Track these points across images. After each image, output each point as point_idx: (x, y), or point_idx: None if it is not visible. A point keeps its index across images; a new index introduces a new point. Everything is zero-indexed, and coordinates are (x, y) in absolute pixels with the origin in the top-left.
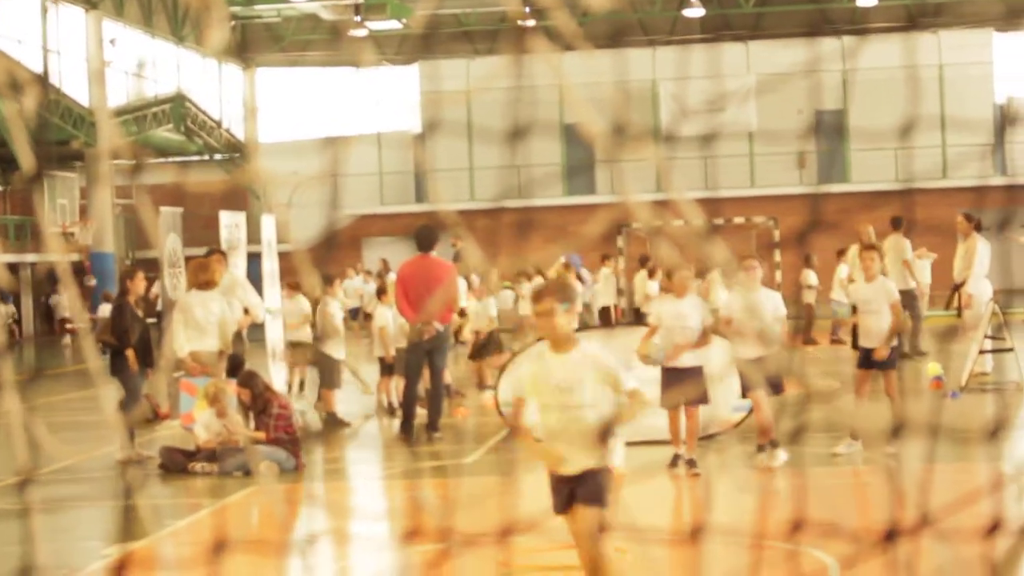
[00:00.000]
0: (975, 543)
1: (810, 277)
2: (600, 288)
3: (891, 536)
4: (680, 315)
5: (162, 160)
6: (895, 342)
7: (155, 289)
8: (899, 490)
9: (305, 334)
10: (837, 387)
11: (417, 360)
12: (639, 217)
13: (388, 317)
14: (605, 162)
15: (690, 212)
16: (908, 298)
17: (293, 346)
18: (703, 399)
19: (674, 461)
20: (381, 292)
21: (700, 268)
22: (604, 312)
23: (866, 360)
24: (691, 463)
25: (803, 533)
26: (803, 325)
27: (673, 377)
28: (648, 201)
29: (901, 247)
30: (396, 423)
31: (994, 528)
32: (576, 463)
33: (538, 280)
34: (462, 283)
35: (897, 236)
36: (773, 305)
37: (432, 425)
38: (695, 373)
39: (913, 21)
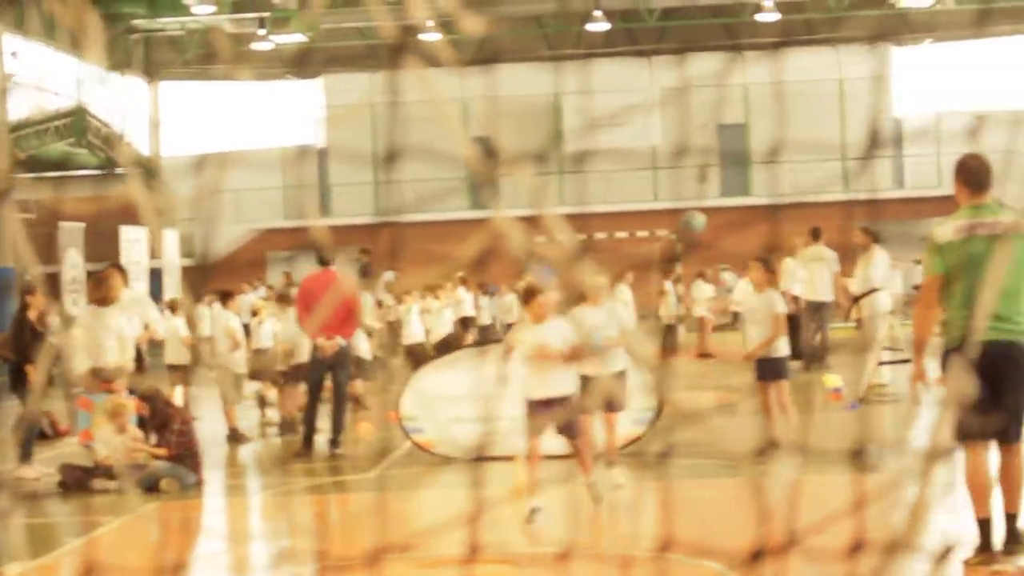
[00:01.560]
0: (842, 561)
1: (704, 290)
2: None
3: (758, 555)
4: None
5: (63, 174)
6: (785, 352)
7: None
8: (767, 507)
9: (183, 355)
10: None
11: (319, 375)
12: (512, 237)
13: (290, 332)
14: (507, 176)
15: (561, 231)
16: (821, 309)
17: (172, 368)
18: (619, 407)
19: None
20: (283, 306)
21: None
22: (485, 330)
23: (765, 371)
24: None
25: (675, 549)
26: (697, 339)
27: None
28: (519, 218)
29: (822, 257)
30: (297, 439)
31: (859, 546)
32: None
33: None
34: (369, 299)
35: (818, 247)
36: (603, 322)
37: (333, 440)
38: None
39: (814, 36)
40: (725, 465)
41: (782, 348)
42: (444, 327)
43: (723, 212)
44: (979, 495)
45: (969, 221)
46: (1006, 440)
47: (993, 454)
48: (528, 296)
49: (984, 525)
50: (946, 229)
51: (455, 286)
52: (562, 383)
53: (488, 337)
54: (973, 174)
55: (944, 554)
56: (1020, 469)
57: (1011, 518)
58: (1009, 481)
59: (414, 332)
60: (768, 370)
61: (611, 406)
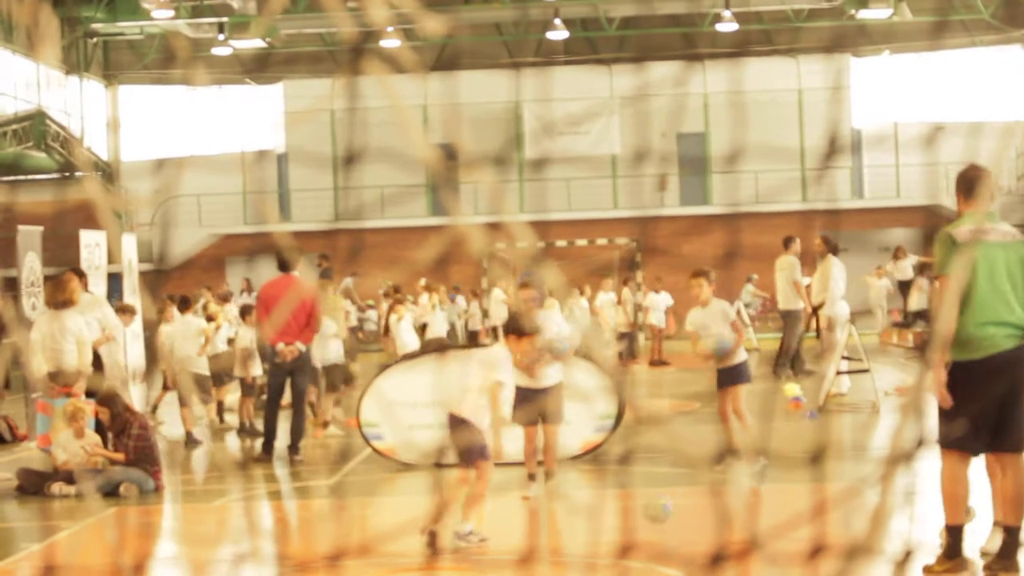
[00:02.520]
0: (802, 565)
1: (660, 299)
2: (471, 311)
3: (718, 559)
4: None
5: (21, 178)
6: (743, 357)
7: None
8: (727, 512)
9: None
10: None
11: (279, 381)
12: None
13: (250, 338)
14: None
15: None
16: (792, 318)
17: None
18: (558, 419)
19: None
20: (245, 313)
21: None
22: (473, 335)
23: (724, 377)
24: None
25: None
26: (654, 346)
27: (530, 396)
28: (480, 224)
29: (790, 266)
30: (258, 444)
31: (819, 551)
32: None
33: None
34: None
35: (787, 256)
36: (558, 328)
37: (293, 446)
38: (554, 391)
39: (772, 46)
40: (684, 472)
41: (740, 354)
42: (438, 332)
43: (682, 220)
44: (955, 502)
45: (979, 226)
46: (1013, 449)
47: (976, 462)
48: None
49: (956, 532)
50: (962, 230)
51: (442, 292)
52: (556, 372)
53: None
54: (975, 185)
55: (904, 559)
56: (960, 482)
57: (1011, 532)
58: (1011, 492)
59: (407, 342)
60: (726, 377)
61: (548, 418)
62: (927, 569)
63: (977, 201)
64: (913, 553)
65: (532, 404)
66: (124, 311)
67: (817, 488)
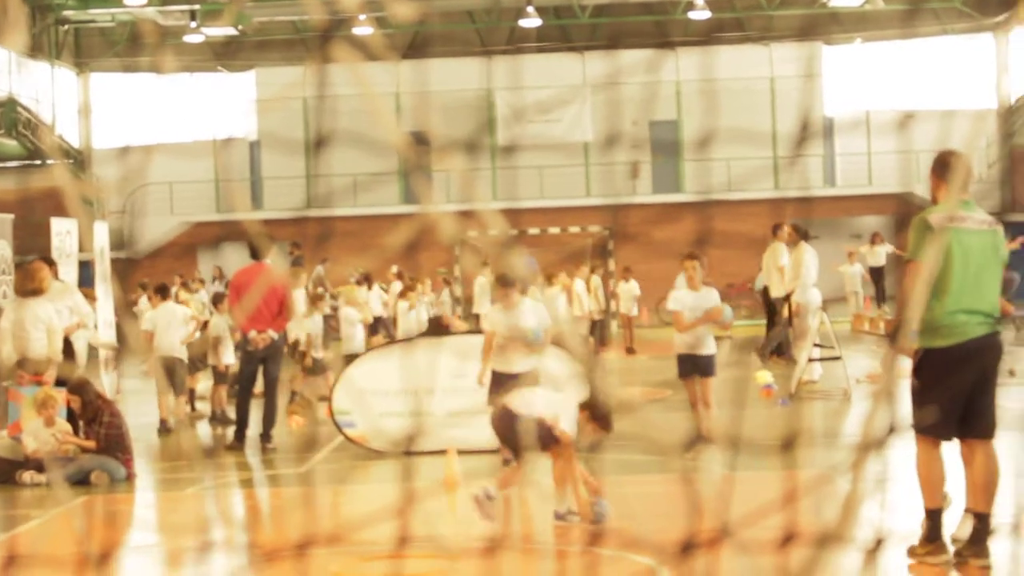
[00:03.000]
0: (773, 553)
1: (628, 288)
2: (440, 299)
3: (688, 547)
4: (513, 325)
5: None
6: (714, 350)
7: None
8: (698, 500)
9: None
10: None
11: (251, 369)
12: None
13: (223, 326)
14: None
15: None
16: (780, 304)
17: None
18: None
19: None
20: (217, 301)
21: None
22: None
23: (690, 367)
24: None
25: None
26: (624, 335)
27: (504, 381)
28: (451, 211)
29: (777, 253)
30: (229, 432)
31: (790, 538)
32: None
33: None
34: (301, 293)
35: (776, 243)
36: (538, 316)
37: (265, 434)
38: (527, 378)
39: (745, 33)
40: (655, 460)
41: (710, 345)
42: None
43: (654, 207)
44: (931, 486)
45: (954, 212)
46: (983, 435)
47: (948, 448)
48: (500, 283)
49: (935, 516)
50: (936, 216)
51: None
52: (528, 360)
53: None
54: (949, 169)
55: (875, 546)
56: (995, 468)
57: (981, 518)
58: (980, 478)
59: (409, 331)
60: (693, 367)
61: None
62: (910, 551)
63: (952, 186)
64: (884, 541)
65: (506, 389)
66: (86, 297)
67: (788, 475)
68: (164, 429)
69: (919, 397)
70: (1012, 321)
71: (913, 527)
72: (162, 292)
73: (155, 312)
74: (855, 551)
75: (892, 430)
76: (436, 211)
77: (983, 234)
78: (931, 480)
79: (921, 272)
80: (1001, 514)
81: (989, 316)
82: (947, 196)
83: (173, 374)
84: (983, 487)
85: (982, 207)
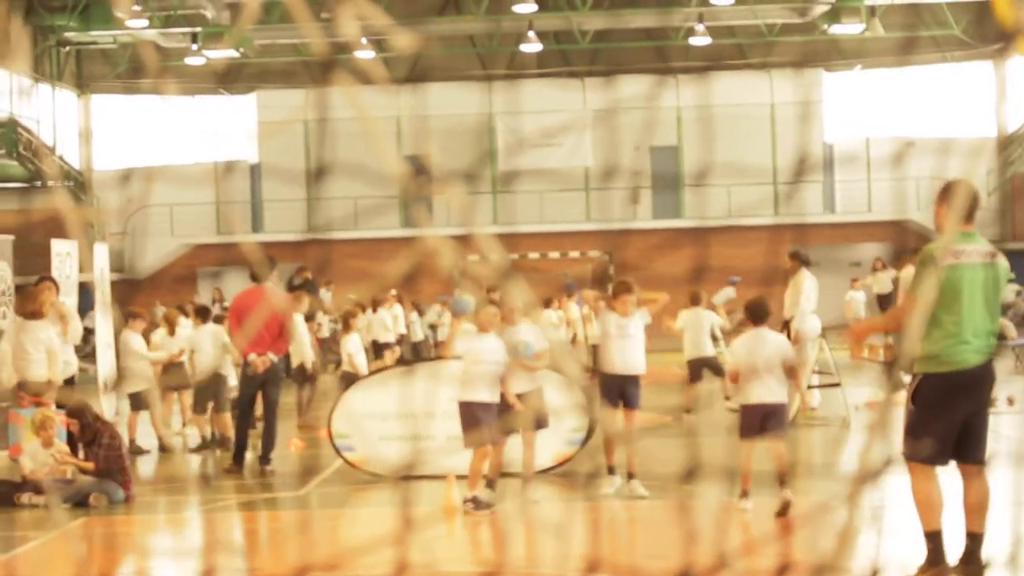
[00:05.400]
0: None
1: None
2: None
3: None
4: (485, 350)
5: None
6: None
7: None
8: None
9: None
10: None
11: (251, 392)
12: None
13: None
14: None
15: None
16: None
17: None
18: (541, 424)
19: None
20: (218, 323)
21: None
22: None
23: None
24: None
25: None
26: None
27: (478, 410)
28: (451, 237)
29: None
30: (228, 455)
31: (786, 568)
32: None
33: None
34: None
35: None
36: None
37: (264, 457)
38: (528, 398)
39: (745, 60)
40: (654, 486)
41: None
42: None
43: (655, 234)
44: (931, 509)
45: (961, 246)
46: (977, 461)
47: (944, 474)
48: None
49: (935, 539)
50: (944, 251)
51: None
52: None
53: (419, 355)
54: (955, 198)
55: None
56: (987, 492)
57: (974, 538)
58: (974, 501)
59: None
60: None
61: (537, 423)
62: None
63: (952, 215)
64: (880, 571)
65: (485, 420)
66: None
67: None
68: (133, 449)
69: (916, 423)
70: (1012, 350)
71: (911, 554)
72: (202, 314)
73: (197, 332)
74: None
75: (889, 462)
76: (435, 236)
77: (984, 267)
78: (930, 503)
79: (918, 305)
80: (998, 545)
81: (986, 346)
82: (949, 226)
83: (212, 392)
84: (976, 508)
85: (984, 234)
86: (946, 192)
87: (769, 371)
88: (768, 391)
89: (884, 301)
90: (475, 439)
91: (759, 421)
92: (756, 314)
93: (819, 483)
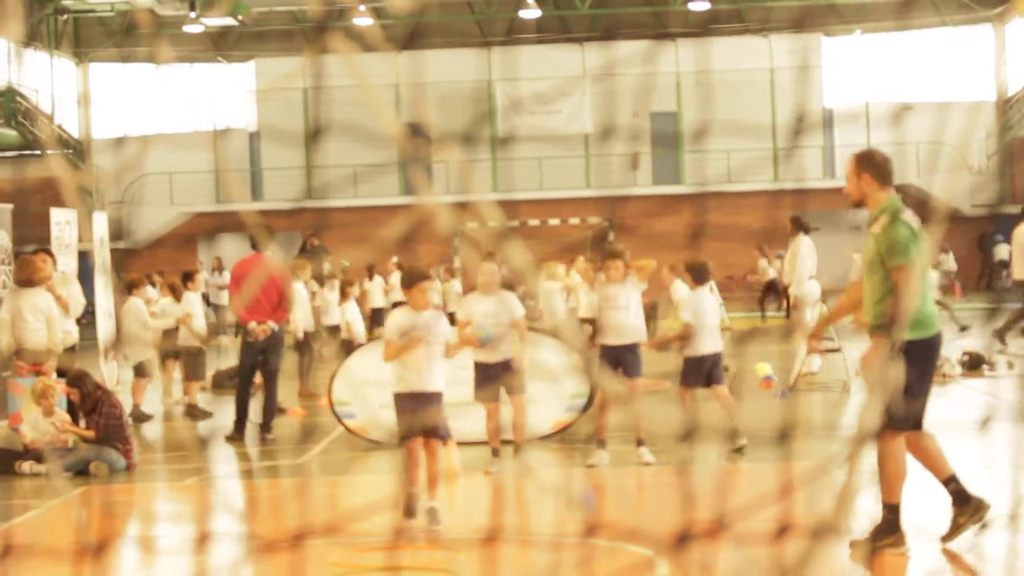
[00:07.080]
0: (767, 545)
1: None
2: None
3: (684, 539)
4: (488, 312)
5: None
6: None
7: None
8: (691, 492)
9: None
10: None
11: (251, 360)
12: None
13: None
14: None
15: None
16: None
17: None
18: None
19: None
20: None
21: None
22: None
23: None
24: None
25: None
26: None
27: (487, 371)
28: (449, 202)
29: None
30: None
31: (784, 530)
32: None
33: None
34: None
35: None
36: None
37: (265, 425)
38: (509, 365)
39: (744, 24)
40: (654, 451)
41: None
42: None
43: (654, 199)
44: (894, 481)
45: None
46: (919, 426)
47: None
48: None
49: (895, 511)
50: (911, 217)
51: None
52: (508, 348)
53: None
54: (883, 167)
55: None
56: (932, 445)
57: (951, 480)
58: (928, 456)
59: None
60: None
61: (512, 390)
62: (876, 546)
63: (891, 186)
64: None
65: (492, 379)
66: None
67: (785, 467)
68: (137, 415)
69: (906, 391)
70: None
71: (912, 517)
72: (190, 279)
73: (194, 295)
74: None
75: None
76: (434, 202)
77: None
78: (901, 474)
79: (915, 274)
80: (998, 506)
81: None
82: (890, 195)
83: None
84: (936, 459)
85: (981, 198)
86: (873, 163)
87: (712, 326)
88: (714, 342)
89: None
90: (484, 396)
91: (706, 370)
92: (699, 274)
93: (818, 446)
